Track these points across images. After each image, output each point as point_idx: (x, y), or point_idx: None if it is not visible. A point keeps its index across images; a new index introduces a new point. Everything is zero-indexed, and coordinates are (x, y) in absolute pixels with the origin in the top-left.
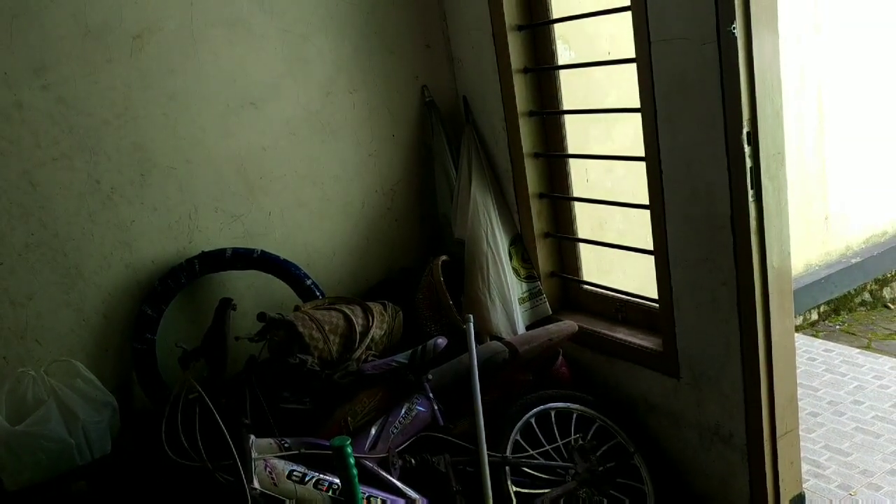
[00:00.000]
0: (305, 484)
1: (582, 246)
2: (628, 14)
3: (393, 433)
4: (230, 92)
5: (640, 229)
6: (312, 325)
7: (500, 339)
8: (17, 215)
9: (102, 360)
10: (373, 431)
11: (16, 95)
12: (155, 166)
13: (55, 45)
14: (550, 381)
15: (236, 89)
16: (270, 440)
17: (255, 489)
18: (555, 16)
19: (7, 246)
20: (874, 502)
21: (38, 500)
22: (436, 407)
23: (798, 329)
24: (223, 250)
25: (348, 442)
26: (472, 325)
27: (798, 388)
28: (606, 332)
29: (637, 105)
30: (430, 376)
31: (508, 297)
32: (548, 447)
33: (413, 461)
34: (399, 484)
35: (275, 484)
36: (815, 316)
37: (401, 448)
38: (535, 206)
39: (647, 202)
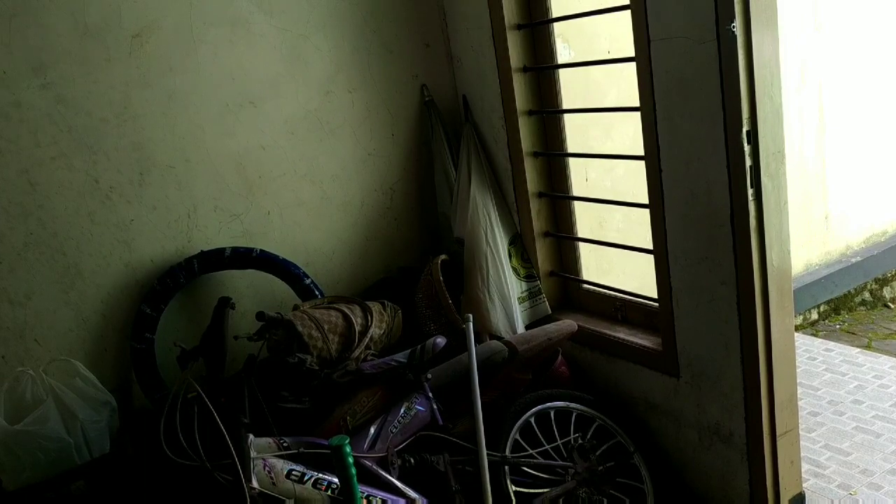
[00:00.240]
0: (304, 483)
1: (581, 245)
2: (628, 13)
3: (392, 432)
4: (229, 91)
5: (639, 228)
6: (311, 324)
7: (499, 338)
8: (15, 214)
9: (101, 360)
10: (372, 431)
11: (14, 94)
12: (154, 165)
13: (54, 43)
14: (550, 381)
15: (235, 88)
16: (269, 439)
17: (254, 488)
18: (554, 14)
19: (6, 245)
20: (874, 502)
21: (37, 499)
22: (435, 406)
23: (798, 328)
24: (222, 249)
25: (347, 441)
26: (471, 324)
27: (798, 388)
28: (606, 331)
29: (636, 104)
30: (429, 375)
31: (508, 296)
32: (547, 447)
33: (412, 460)
34: (398, 483)
35: (273, 483)
36: (815, 315)
37: (400, 447)
38: (534, 206)
39: (646, 201)
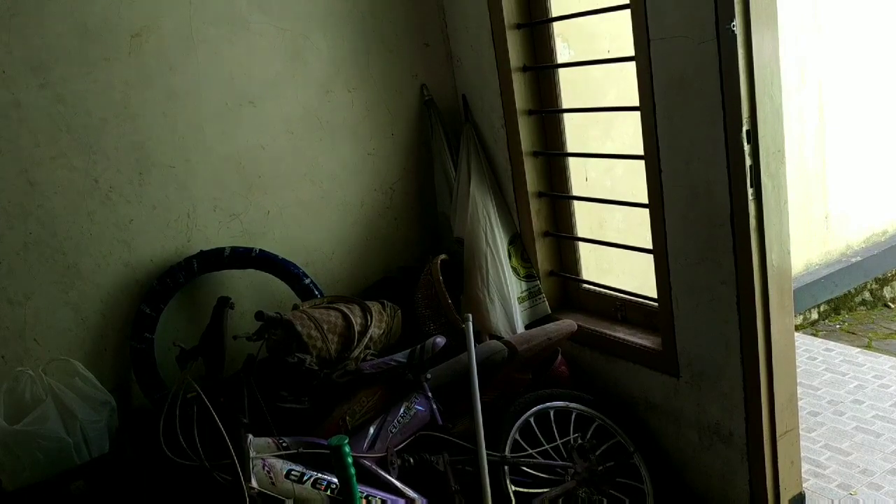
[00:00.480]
0: (304, 483)
1: (581, 245)
2: (628, 12)
3: (391, 432)
4: (229, 90)
5: (639, 228)
6: (311, 324)
7: (499, 338)
8: (15, 214)
9: (101, 360)
10: (371, 431)
11: (14, 94)
12: (153, 165)
13: (53, 43)
14: (549, 381)
15: (235, 88)
16: (268, 439)
17: (254, 488)
18: (554, 14)
19: (5, 245)
20: (875, 502)
21: (36, 499)
22: (434, 406)
23: (798, 328)
24: (222, 249)
25: (346, 441)
26: (470, 324)
27: (798, 388)
28: (606, 331)
29: (636, 103)
30: (428, 375)
31: (507, 296)
32: (547, 446)
33: (412, 460)
34: (398, 483)
35: (273, 483)
36: (815, 315)
37: (399, 447)
38: (534, 205)
39: (646, 201)
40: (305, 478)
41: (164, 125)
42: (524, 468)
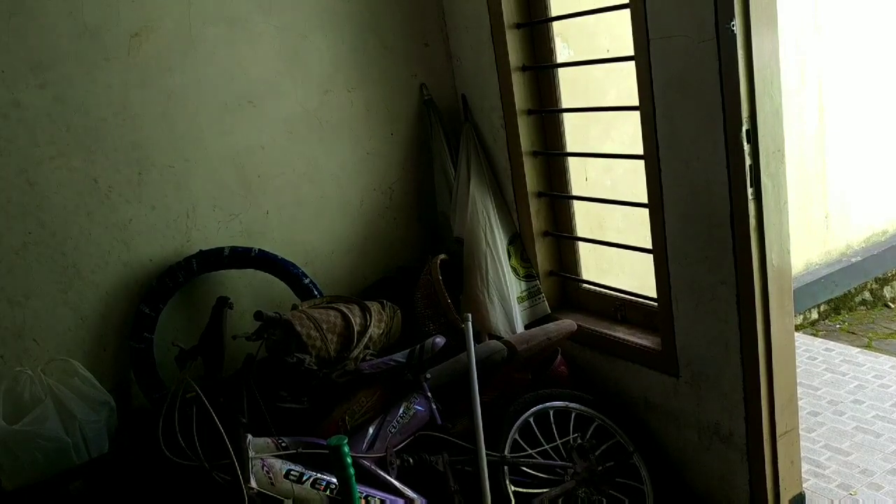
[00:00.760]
0: (303, 483)
1: (581, 245)
2: (627, 12)
3: (391, 432)
4: (228, 90)
5: (639, 228)
6: (310, 324)
7: (498, 338)
8: (14, 214)
9: (100, 359)
10: (371, 431)
11: (13, 94)
12: (153, 165)
13: (53, 43)
14: (549, 381)
15: (234, 88)
16: (268, 439)
17: (253, 488)
18: (553, 13)
19: (5, 245)
20: (875, 502)
21: (35, 499)
22: (434, 406)
23: (798, 328)
24: (221, 249)
25: (345, 441)
26: (470, 324)
27: (798, 388)
28: (605, 331)
29: (636, 103)
30: (428, 375)
31: (507, 296)
32: (546, 446)
33: (411, 460)
34: (397, 483)
35: (272, 483)
36: (815, 315)
37: (399, 447)
38: (533, 205)
39: (646, 201)
40: (305, 478)
41: (163, 125)
42: (524, 468)
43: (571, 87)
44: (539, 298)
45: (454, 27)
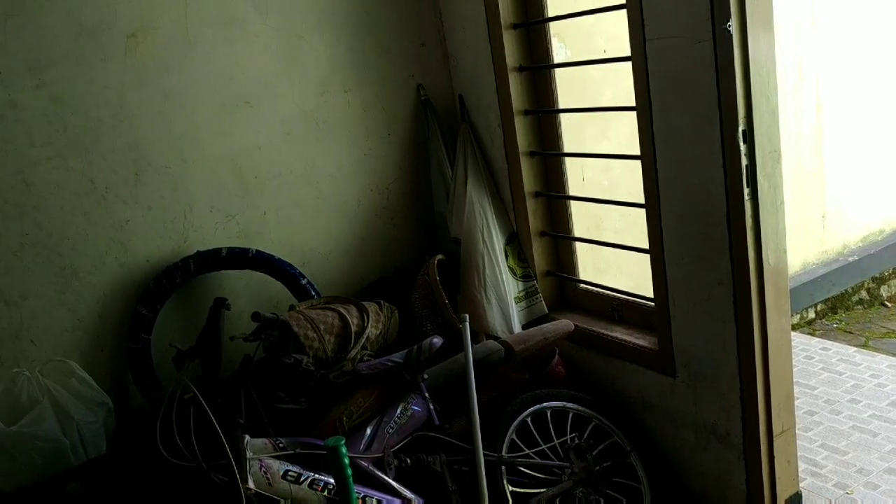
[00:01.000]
0: (301, 484)
1: (578, 245)
2: (624, 12)
3: (388, 433)
4: (225, 91)
5: (636, 228)
6: (307, 324)
7: (496, 338)
8: (11, 215)
9: (97, 360)
10: (368, 431)
11: (10, 94)
12: (150, 165)
13: (50, 44)
14: (546, 381)
15: (231, 88)
16: (265, 440)
17: (250, 489)
18: (550, 14)
19: (2, 245)
20: (871, 501)
21: (33, 500)
22: (431, 406)
23: (795, 327)
24: (218, 250)
25: (343, 442)
26: (467, 324)
27: (795, 387)
28: (603, 331)
29: (633, 103)
30: (425, 376)
31: (504, 296)
32: (544, 446)
33: (409, 461)
34: (394, 484)
35: (270, 484)
36: (812, 314)
37: (396, 448)
38: (530, 205)
39: (643, 201)
40: (302, 478)
41: (160, 126)
42: (521, 468)
43: (568, 88)
44: (536, 298)
45: (451, 27)
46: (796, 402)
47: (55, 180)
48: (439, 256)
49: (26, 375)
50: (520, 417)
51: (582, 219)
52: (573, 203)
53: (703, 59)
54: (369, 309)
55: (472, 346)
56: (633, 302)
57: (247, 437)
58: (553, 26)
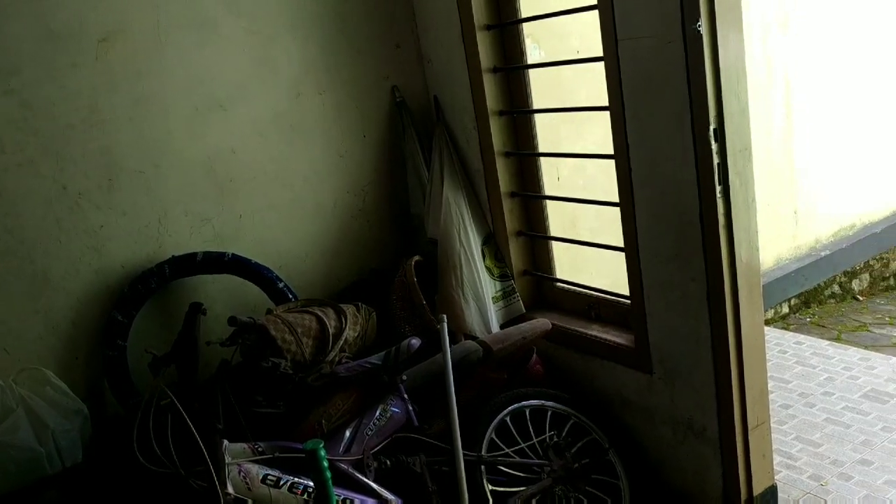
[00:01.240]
0: (280, 488)
1: (555, 244)
2: (596, 13)
3: (368, 435)
4: (198, 94)
5: (613, 226)
6: (285, 327)
7: (474, 338)
8: None
9: (73, 368)
10: (347, 434)
11: None
12: (123, 170)
13: (19, 49)
14: (525, 380)
15: (204, 91)
16: (244, 445)
17: (230, 494)
18: (524, 14)
19: None
20: (844, 492)
21: None
22: (410, 408)
23: (770, 322)
24: (194, 254)
25: (321, 445)
26: (445, 324)
27: (770, 381)
28: (580, 329)
29: (606, 103)
30: (404, 377)
31: (482, 295)
32: (523, 445)
33: (388, 462)
34: (374, 485)
35: (249, 489)
36: (786, 309)
37: (376, 449)
38: (507, 205)
39: (617, 200)
40: (282, 482)
41: (132, 130)
42: (501, 467)
43: (543, 88)
44: (514, 298)
45: (425, 29)
46: (771, 396)
47: (26, 186)
48: (416, 258)
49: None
50: (499, 417)
51: (558, 218)
52: (549, 202)
53: (674, 58)
54: (347, 311)
55: (450, 346)
56: (610, 300)
57: (225, 442)
58: (526, 27)
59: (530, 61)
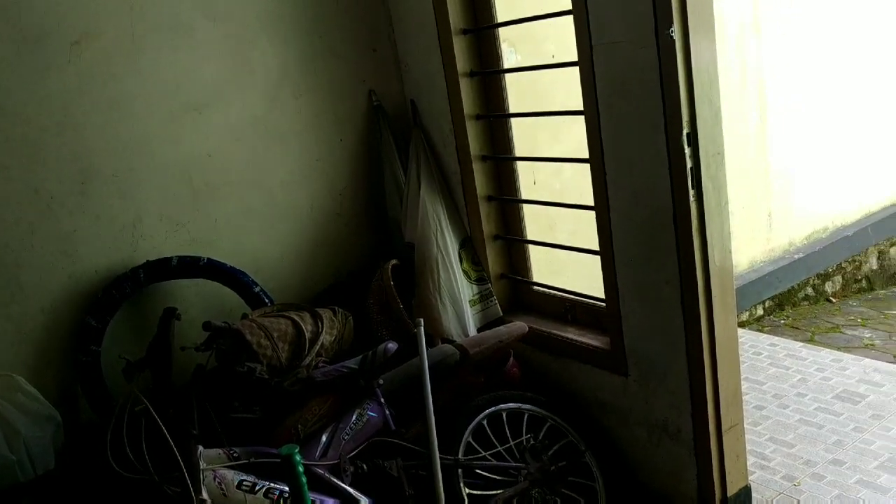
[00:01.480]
0: (256, 493)
1: (531, 247)
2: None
3: (344, 439)
4: (174, 98)
5: (590, 229)
6: (260, 332)
7: (451, 341)
8: None
9: (45, 374)
10: (324, 438)
11: None
12: (96, 174)
13: None
14: (502, 383)
15: (180, 95)
16: (219, 450)
17: (204, 500)
18: (500, 19)
19: None
20: (817, 492)
21: None
22: (387, 412)
23: (744, 324)
24: (169, 259)
25: (296, 450)
26: (422, 328)
27: (744, 382)
28: (556, 332)
29: (581, 107)
30: (381, 381)
31: (459, 299)
32: (500, 448)
33: (365, 467)
34: (350, 490)
35: (224, 494)
36: (760, 311)
37: (353, 454)
38: (483, 209)
39: (592, 203)
40: (257, 488)
41: (106, 134)
42: (478, 470)
43: (520, 91)
44: (491, 301)
45: (402, 33)
46: (745, 398)
47: None
48: (393, 261)
49: None
50: (476, 420)
51: (535, 221)
52: (526, 206)
53: (647, 64)
54: (323, 315)
55: (427, 350)
56: (586, 303)
57: (200, 448)
58: (503, 31)
59: (507, 65)
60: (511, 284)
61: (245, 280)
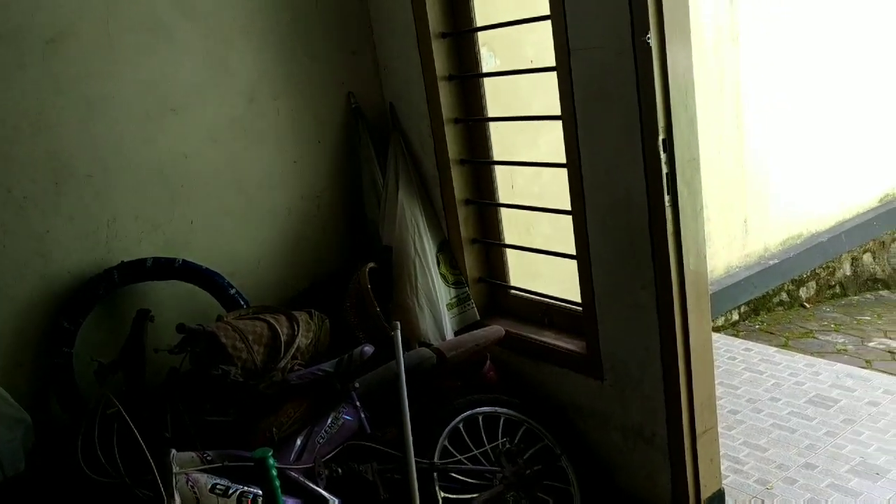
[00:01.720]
0: (229, 497)
1: (509, 251)
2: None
3: (319, 443)
4: (150, 98)
5: (567, 234)
6: (235, 335)
7: (428, 345)
8: None
9: (15, 376)
10: (298, 442)
11: None
12: (71, 174)
13: None
14: (479, 386)
15: (156, 95)
16: (193, 453)
17: None
18: (479, 24)
19: None
20: (789, 495)
21: None
22: (363, 415)
23: (720, 329)
24: (143, 260)
25: (270, 453)
26: (399, 332)
27: (719, 387)
28: (533, 336)
29: (559, 112)
30: (356, 384)
31: (436, 303)
32: (476, 452)
33: (340, 470)
34: (325, 494)
35: (197, 498)
36: (736, 316)
37: (328, 458)
38: (461, 213)
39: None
40: (231, 491)
41: (81, 133)
42: (453, 474)
43: (498, 96)
44: (468, 305)
45: (381, 36)
46: (720, 402)
47: None
48: (371, 264)
49: None
50: (452, 423)
51: (513, 225)
52: (504, 210)
53: (624, 70)
54: (299, 318)
55: (403, 353)
56: (562, 307)
57: (173, 451)
58: (482, 36)
59: (485, 70)
60: (488, 288)
61: (221, 282)
